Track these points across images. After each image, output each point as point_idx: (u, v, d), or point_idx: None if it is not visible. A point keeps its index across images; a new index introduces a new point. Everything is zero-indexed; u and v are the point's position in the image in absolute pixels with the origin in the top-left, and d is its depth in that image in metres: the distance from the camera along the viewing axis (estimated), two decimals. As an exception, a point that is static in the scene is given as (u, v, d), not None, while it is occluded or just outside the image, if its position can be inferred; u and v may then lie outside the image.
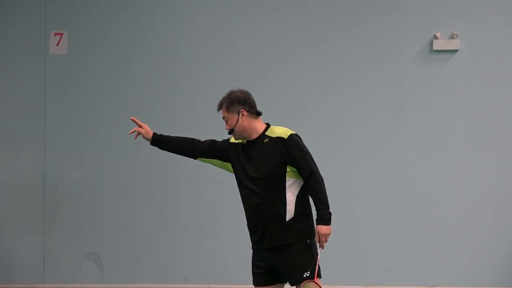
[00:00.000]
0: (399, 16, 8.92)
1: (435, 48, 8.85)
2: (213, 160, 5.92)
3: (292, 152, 5.59)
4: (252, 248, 5.73)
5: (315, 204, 5.57)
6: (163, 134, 5.97)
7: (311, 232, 5.60)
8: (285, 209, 5.57)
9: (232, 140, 5.80)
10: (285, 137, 5.63)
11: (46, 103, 9.18)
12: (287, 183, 5.60)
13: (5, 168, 9.21)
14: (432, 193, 8.86)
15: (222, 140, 5.86)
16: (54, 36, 9.19)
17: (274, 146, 5.61)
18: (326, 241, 5.52)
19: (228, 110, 5.76)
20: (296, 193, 5.61)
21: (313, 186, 5.56)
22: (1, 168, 9.22)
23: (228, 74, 9.09)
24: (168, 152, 9.11)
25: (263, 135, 5.70)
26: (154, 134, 5.98)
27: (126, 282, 9.09)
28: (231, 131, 5.71)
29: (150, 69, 9.17)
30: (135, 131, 6.04)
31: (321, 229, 5.50)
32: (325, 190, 5.57)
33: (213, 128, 9.07)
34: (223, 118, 5.77)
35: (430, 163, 8.87)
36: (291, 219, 5.58)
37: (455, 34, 8.82)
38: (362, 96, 8.91)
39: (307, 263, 5.55)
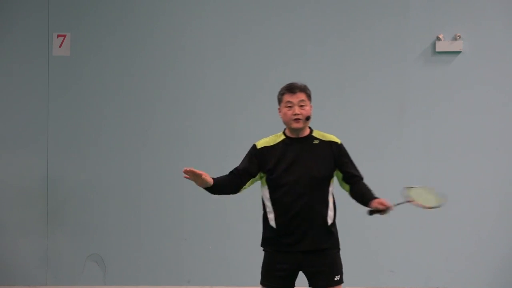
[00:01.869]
0: (402, 17, 8.92)
1: (438, 49, 8.84)
2: (253, 179, 5.73)
3: (345, 158, 5.64)
4: (276, 251, 5.64)
5: (365, 192, 5.59)
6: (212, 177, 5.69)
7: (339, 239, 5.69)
8: (327, 213, 5.58)
9: (261, 144, 5.68)
10: (339, 143, 5.67)
11: (49, 104, 9.19)
12: (330, 188, 5.62)
13: (8, 169, 9.22)
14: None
15: (246, 156, 5.74)
16: (57, 37, 9.20)
17: (327, 150, 5.60)
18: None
19: (309, 97, 5.65)
20: (333, 200, 5.66)
21: (363, 183, 5.66)
22: (4, 170, 9.22)
23: (231, 75, 9.09)
24: (171, 153, 9.19)
25: (311, 135, 5.65)
26: (214, 182, 5.64)
27: (129, 284, 9.09)
28: (308, 118, 5.58)
29: (153, 70, 9.17)
30: (188, 175, 5.58)
31: (379, 199, 5.51)
32: None
33: (216, 129, 9.10)
34: (300, 101, 5.58)
35: (433, 165, 8.87)
36: (331, 224, 5.61)
37: (458, 36, 8.82)
38: (365, 98, 8.90)
39: (338, 268, 5.62)
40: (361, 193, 5.65)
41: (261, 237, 9.20)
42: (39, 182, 9.17)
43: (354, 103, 8.98)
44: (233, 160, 8.96)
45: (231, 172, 5.75)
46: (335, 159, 5.60)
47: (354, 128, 8.92)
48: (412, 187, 5.56)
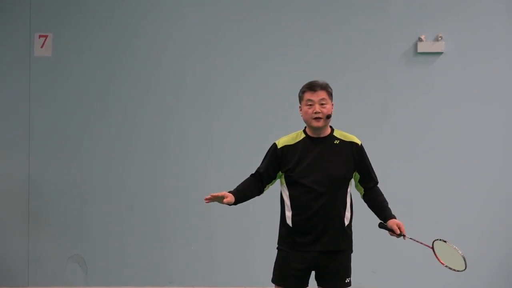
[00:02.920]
0: (384, 18, 8.93)
1: (419, 50, 8.86)
2: (274, 180, 5.73)
3: (364, 160, 5.65)
4: (291, 250, 5.61)
5: (382, 203, 5.68)
6: (233, 190, 5.62)
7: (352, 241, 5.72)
8: (344, 214, 5.59)
9: (282, 144, 5.65)
10: (359, 144, 5.65)
11: (30, 105, 9.15)
12: (348, 189, 5.62)
13: (-10, 170, 9.20)
14: (418, 195, 8.86)
15: (266, 157, 5.70)
16: (39, 38, 9.17)
17: (347, 150, 5.59)
18: None
19: (330, 95, 5.66)
20: (350, 201, 5.66)
21: (377, 190, 5.71)
22: (-14, 171, 9.20)
23: (215, 75, 9.08)
24: (154, 155, 9.17)
25: (332, 135, 5.64)
26: (236, 197, 5.58)
27: (111, 285, 9.07)
28: (329, 116, 5.58)
29: (137, 71, 9.15)
30: (211, 199, 5.54)
31: (398, 221, 5.61)
32: None
33: (200, 130, 9.09)
34: (321, 99, 5.60)
35: (414, 165, 8.88)
36: (347, 226, 5.63)
37: (440, 37, 8.84)
38: (347, 98, 8.90)
39: (349, 270, 5.67)
40: (376, 203, 5.71)
41: (242, 238, 9.23)
42: (20, 183, 9.13)
43: (336, 103, 8.96)
44: (216, 159, 9.00)
45: (253, 175, 5.70)
46: (355, 160, 5.60)
47: (336, 127, 8.92)
48: (442, 242, 5.55)
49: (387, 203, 5.71)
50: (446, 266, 5.54)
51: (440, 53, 8.88)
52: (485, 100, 8.86)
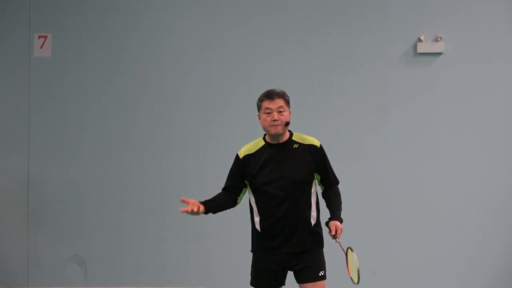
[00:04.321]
0: (383, 18, 8.93)
1: (419, 50, 8.86)
2: (244, 189, 5.83)
3: (324, 161, 5.73)
4: (266, 253, 5.73)
5: (333, 204, 5.75)
6: (206, 200, 5.76)
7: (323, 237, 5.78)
8: (310, 215, 5.68)
9: (243, 153, 5.77)
10: (318, 146, 5.73)
11: (30, 106, 9.16)
12: (312, 190, 5.70)
13: (-11, 170, 9.21)
14: (417, 196, 8.86)
15: (231, 170, 5.81)
16: (38, 39, 9.18)
17: (306, 153, 5.68)
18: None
19: (287, 103, 5.72)
20: (316, 200, 5.74)
21: (335, 190, 5.79)
22: (-15, 171, 9.21)
23: (213, 75, 9.09)
24: (153, 154, 9.18)
25: (290, 140, 5.72)
26: (206, 207, 5.72)
27: (110, 285, 9.07)
28: (287, 123, 5.65)
29: (136, 71, 9.15)
30: (186, 211, 5.70)
31: (338, 224, 5.64)
32: None
33: (199, 128, 9.10)
34: (279, 107, 5.66)
35: (414, 166, 8.88)
36: (314, 225, 5.71)
37: (439, 37, 8.84)
38: (347, 99, 8.91)
39: (322, 264, 5.73)
40: (330, 203, 5.80)
41: (241, 238, 9.24)
42: (20, 183, 9.14)
43: (336, 104, 8.99)
44: (215, 159, 9.00)
45: (223, 189, 5.84)
46: (315, 162, 5.70)
47: (336, 128, 8.92)
48: (353, 252, 5.63)
49: (340, 204, 5.81)
50: (350, 274, 5.60)
51: (439, 54, 8.88)
52: (485, 100, 8.85)
